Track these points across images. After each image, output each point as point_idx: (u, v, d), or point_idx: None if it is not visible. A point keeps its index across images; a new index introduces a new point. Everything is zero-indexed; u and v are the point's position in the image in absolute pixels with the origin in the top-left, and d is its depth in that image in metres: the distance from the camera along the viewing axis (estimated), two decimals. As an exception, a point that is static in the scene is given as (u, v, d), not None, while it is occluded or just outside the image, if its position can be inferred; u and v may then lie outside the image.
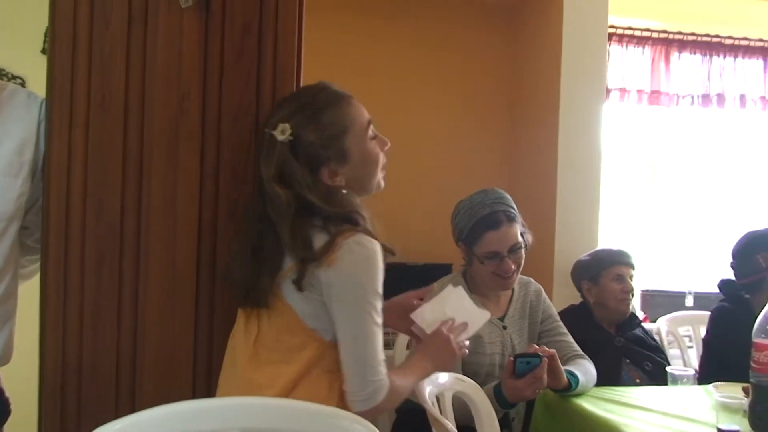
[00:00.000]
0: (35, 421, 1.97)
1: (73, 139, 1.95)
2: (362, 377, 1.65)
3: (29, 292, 2.05)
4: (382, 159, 1.87)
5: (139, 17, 1.98)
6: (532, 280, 3.04)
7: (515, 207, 2.88)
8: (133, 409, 1.91)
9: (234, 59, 2.02)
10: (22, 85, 3.43)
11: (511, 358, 2.52)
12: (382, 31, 4.62)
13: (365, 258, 1.69)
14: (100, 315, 1.96)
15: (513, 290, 2.94)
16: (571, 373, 2.62)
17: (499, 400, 2.53)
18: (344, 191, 1.80)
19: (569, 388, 2.60)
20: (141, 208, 1.97)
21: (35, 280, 2.03)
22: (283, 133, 1.75)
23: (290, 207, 1.73)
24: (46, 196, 1.94)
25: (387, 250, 1.77)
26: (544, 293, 3.02)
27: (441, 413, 2.24)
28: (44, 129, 1.95)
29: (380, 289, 1.71)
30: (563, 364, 2.62)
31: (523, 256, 2.85)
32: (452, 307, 1.95)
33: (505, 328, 2.86)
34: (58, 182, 1.94)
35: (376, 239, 1.74)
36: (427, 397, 2.18)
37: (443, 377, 2.38)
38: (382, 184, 1.90)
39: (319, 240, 1.71)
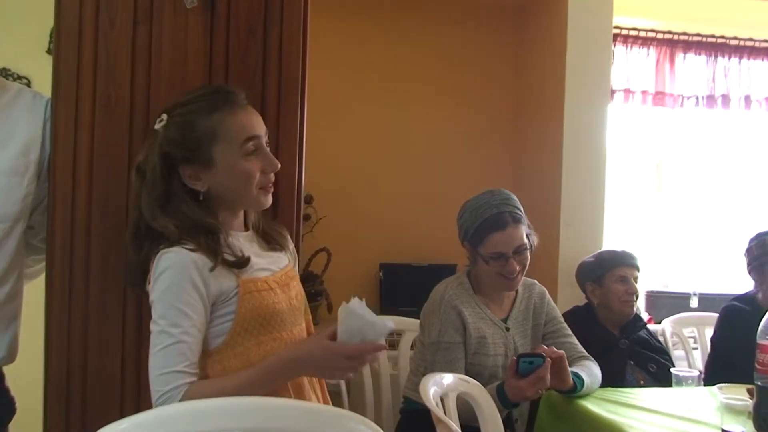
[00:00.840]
0: (40, 421, 1.98)
1: (78, 140, 1.96)
2: (152, 387, 1.61)
3: (34, 291, 2.05)
4: (258, 178, 1.76)
5: (145, 18, 1.99)
6: (536, 282, 3.02)
7: (521, 208, 2.87)
8: (137, 408, 1.90)
9: (239, 60, 2.03)
10: (28, 85, 3.44)
11: (515, 358, 2.51)
12: (386, 32, 4.62)
13: (161, 272, 1.64)
14: (105, 314, 1.97)
15: (517, 292, 2.93)
16: (576, 375, 2.61)
17: (502, 399, 2.52)
18: (201, 199, 1.75)
19: (574, 389, 2.60)
20: (145, 208, 1.97)
21: (40, 280, 2.03)
22: (160, 122, 1.75)
23: (137, 200, 1.74)
24: (52, 196, 1.95)
25: (230, 264, 1.71)
26: (548, 295, 3.01)
27: (445, 414, 2.24)
28: (50, 129, 1.96)
29: (179, 299, 1.63)
30: (569, 365, 2.62)
31: (528, 257, 2.84)
32: (351, 325, 1.69)
33: (508, 329, 2.85)
34: (64, 182, 1.95)
35: (210, 251, 1.67)
36: (432, 398, 2.17)
37: (448, 378, 2.38)
38: (265, 202, 1.82)
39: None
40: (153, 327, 1.64)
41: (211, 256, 1.67)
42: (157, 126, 1.75)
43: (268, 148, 1.80)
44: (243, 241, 1.81)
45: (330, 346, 1.67)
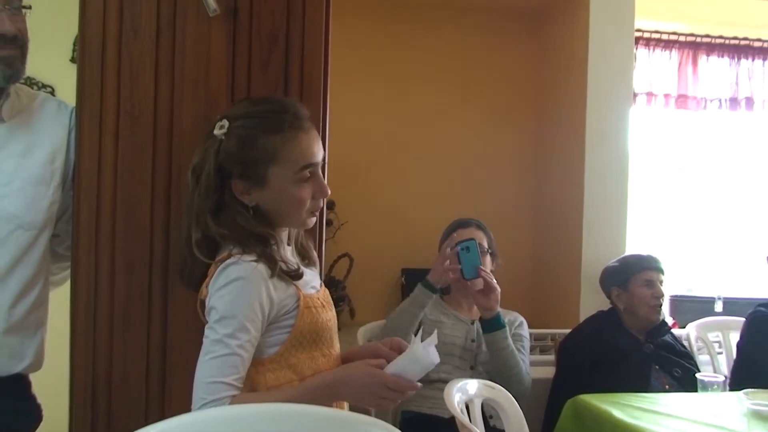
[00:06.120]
0: (66, 428, 1.99)
1: (103, 148, 1.97)
2: (197, 393, 1.60)
3: (59, 299, 2.07)
4: (308, 204, 1.76)
5: (168, 26, 2.00)
6: (518, 315, 3.26)
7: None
8: (162, 416, 1.90)
9: (261, 68, 2.03)
10: (52, 93, 3.47)
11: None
12: (407, 39, 4.62)
13: (229, 282, 1.64)
14: (130, 322, 1.98)
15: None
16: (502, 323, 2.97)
17: (425, 285, 2.98)
18: (250, 213, 1.74)
19: (497, 323, 2.94)
20: (170, 216, 1.99)
21: (65, 288, 2.05)
22: (221, 128, 1.72)
23: (191, 204, 1.73)
24: (77, 204, 1.96)
25: (289, 273, 1.72)
26: (523, 323, 3.23)
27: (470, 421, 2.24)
28: (75, 137, 1.97)
29: (242, 312, 1.62)
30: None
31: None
32: (415, 367, 1.70)
33: (472, 322, 3.09)
34: (89, 190, 1.96)
35: (272, 262, 1.68)
36: (456, 405, 2.17)
37: (473, 385, 2.38)
38: (309, 224, 1.82)
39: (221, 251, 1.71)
40: (209, 333, 1.63)
41: (270, 265, 1.67)
42: (217, 132, 1.72)
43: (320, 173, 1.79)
44: (289, 255, 1.81)
45: (375, 372, 1.67)
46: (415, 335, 1.92)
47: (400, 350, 1.80)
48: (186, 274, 1.79)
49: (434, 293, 3.00)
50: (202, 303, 1.71)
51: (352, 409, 1.76)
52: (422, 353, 1.66)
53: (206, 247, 1.72)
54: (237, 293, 1.63)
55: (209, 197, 1.71)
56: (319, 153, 1.77)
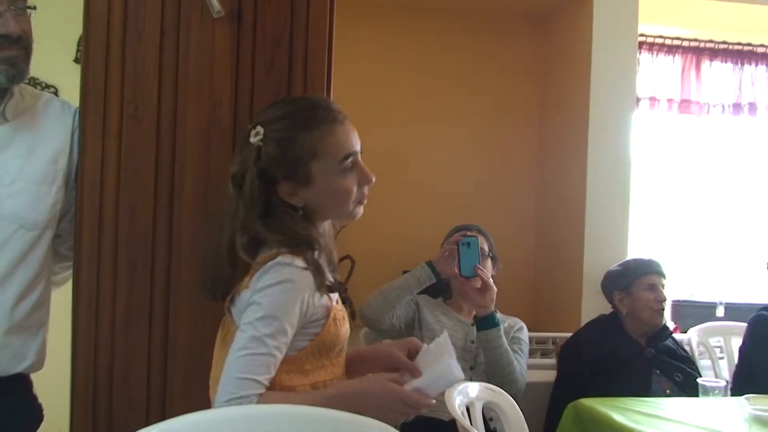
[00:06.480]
0: (67, 428, 1.99)
1: (106, 149, 1.97)
2: (226, 387, 1.59)
3: (61, 299, 2.07)
4: (355, 193, 1.76)
5: (172, 28, 2.01)
6: (518, 320, 3.30)
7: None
8: (163, 415, 1.92)
9: (265, 70, 2.04)
10: (55, 93, 3.47)
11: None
12: (410, 42, 4.62)
13: (278, 282, 1.62)
14: (132, 322, 1.99)
15: None
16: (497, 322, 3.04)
17: (430, 266, 3.11)
18: (299, 213, 1.74)
19: (492, 321, 3.01)
20: (173, 217, 1.99)
21: (67, 287, 2.05)
22: (256, 135, 1.71)
23: (235, 212, 1.71)
24: (80, 204, 1.97)
25: (331, 287, 1.72)
26: (523, 328, 3.28)
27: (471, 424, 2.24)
28: (78, 138, 1.98)
29: (285, 315, 1.62)
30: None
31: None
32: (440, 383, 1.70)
33: (472, 325, 3.13)
34: (91, 191, 1.97)
35: (319, 272, 1.67)
36: (457, 408, 2.17)
37: (473, 388, 2.38)
38: (357, 214, 1.82)
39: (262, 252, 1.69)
40: (248, 329, 1.61)
41: (319, 277, 1.66)
42: (253, 140, 1.70)
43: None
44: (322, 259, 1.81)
45: (394, 389, 1.66)
46: (430, 341, 1.90)
47: (416, 353, 1.81)
48: (215, 285, 1.77)
49: (436, 278, 3.08)
50: (232, 298, 1.70)
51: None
52: (449, 371, 1.64)
53: (252, 249, 1.70)
54: (285, 295, 1.62)
55: (256, 205, 1.70)
56: (357, 142, 1.78)
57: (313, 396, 1.67)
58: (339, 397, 1.66)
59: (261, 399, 1.59)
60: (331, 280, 1.74)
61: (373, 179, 1.80)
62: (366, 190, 1.80)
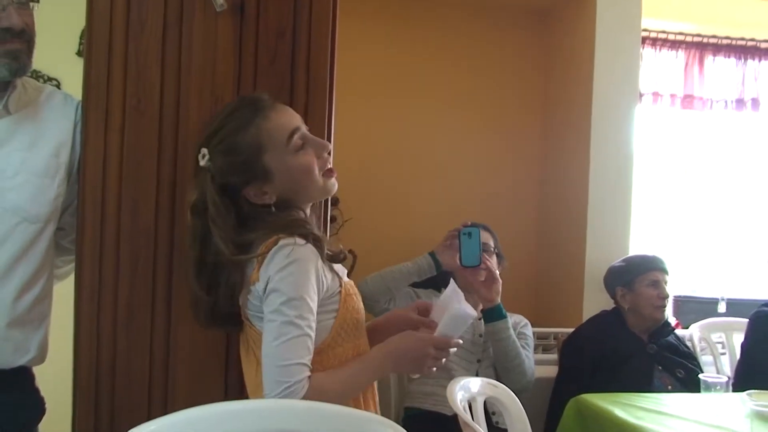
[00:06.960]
0: (69, 421, 1.99)
1: (108, 142, 1.97)
2: (272, 378, 1.59)
3: (63, 292, 2.07)
4: (317, 165, 1.77)
5: (175, 21, 2.00)
6: (522, 317, 3.32)
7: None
8: (165, 409, 1.92)
9: (268, 63, 2.03)
10: (58, 86, 3.46)
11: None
12: (414, 35, 4.62)
13: (288, 263, 1.63)
14: (134, 315, 1.98)
15: None
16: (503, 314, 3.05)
17: (433, 256, 3.06)
18: (273, 210, 1.75)
19: (499, 313, 3.03)
20: (175, 211, 1.99)
21: (69, 281, 2.05)
22: (203, 158, 1.72)
23: (195, 240, 1.72)
24: (82, 197, 1.96)
25: (333, 257, 1.75)
26: (527, 324, 3.30)
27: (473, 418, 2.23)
28: (80, 131, 1.97)
29: (306, 293, 1.64)
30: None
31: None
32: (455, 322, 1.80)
33: (479, 319, 3.11)
34: (94, 184, 1.96)
35: (319, 242, 1.70)
36: (459, 403, 2.17)
37: (475, 383, 2.38)
38: (332, 186, 1.82)
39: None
40: (276, 316, 1.62)
41: (319, 246, 1.69)
42: (202, 163, 1.72)
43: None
44: None
45: (424, 337, 1.75)
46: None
47: (427, 313, 1.88)
48: (209, 310, 1.76)
49: (437, 269, 3.07)
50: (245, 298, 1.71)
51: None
52: (463, 312, 1.75)
53: (243, 251, 1.70)
54: (298, 274, 1.63)
55: (228, 220, 1.71)
56: (294, 118, 1.79)
57: (355, 366, 1.72)
58: (378, 359, 1.73)
59: (314, 379, 1.61)
60: (331, 251, 1.76)
61: (329, 145, 1.82)
62: (326, 156, 1.81)
